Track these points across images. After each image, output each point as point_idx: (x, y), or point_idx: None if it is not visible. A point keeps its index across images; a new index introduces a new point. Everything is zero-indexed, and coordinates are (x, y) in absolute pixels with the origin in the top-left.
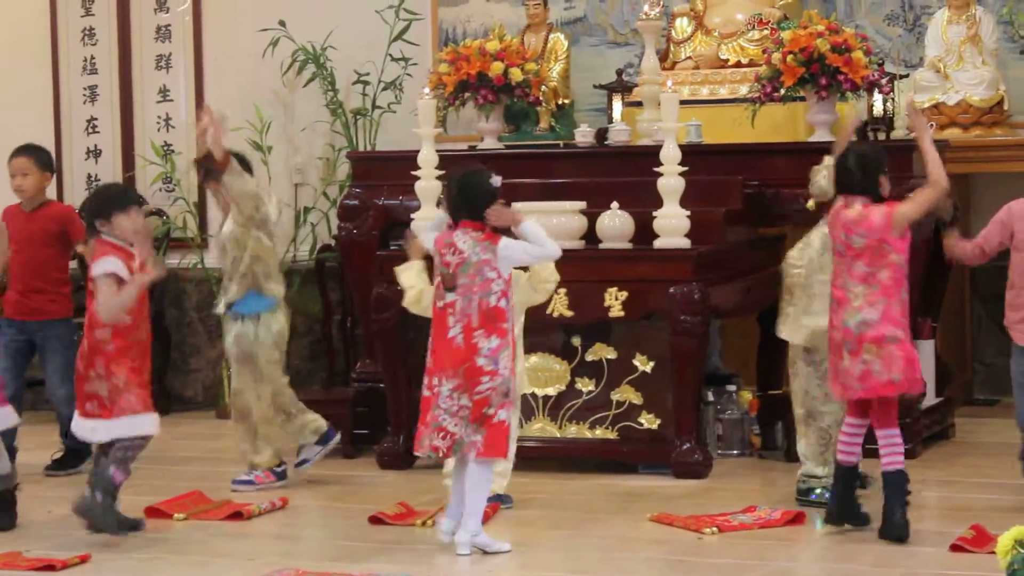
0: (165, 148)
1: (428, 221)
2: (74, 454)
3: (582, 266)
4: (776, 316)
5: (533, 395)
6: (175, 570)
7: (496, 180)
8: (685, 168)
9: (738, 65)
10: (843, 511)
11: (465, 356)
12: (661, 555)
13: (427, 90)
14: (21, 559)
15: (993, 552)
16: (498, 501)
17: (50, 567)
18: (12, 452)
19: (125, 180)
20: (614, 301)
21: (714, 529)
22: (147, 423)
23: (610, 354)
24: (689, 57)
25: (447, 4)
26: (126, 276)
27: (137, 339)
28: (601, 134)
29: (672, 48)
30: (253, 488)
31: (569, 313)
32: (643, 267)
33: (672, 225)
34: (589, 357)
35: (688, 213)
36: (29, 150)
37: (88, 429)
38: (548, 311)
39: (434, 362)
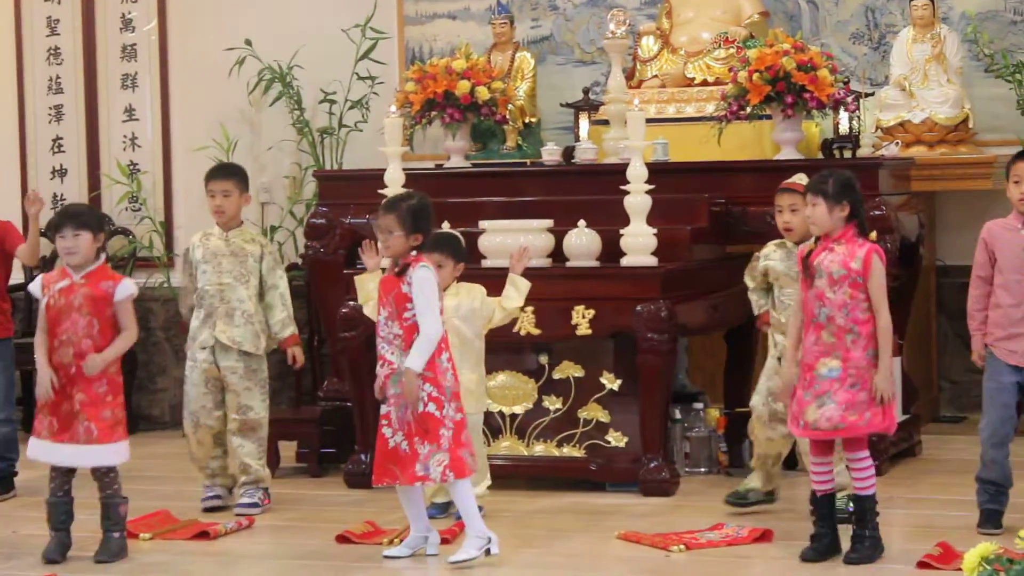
0: (131, 167)
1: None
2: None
3: (549, 284)
4: (743, 333)
5: (500, 413)
6: None
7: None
8: (652, 186)
9: (704, 83)
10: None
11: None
12: (629, 573)
13: (394, 108)
14: None
15: (960, 569)
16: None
17: None
18: None
19: (91, 200)
20: (581, 319)
21: (682, 547)
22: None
23: (577, 372)
24: (655, 76)
25: (413, 23)
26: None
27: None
28: (568, 152)
29: (638, 67)
30: (259, 511)
31: (536, 331)
32: (610, 285)
33: (639, 243)
34: (556, 375)
35: (655, 231)
36: None
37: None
38: (515, 329)
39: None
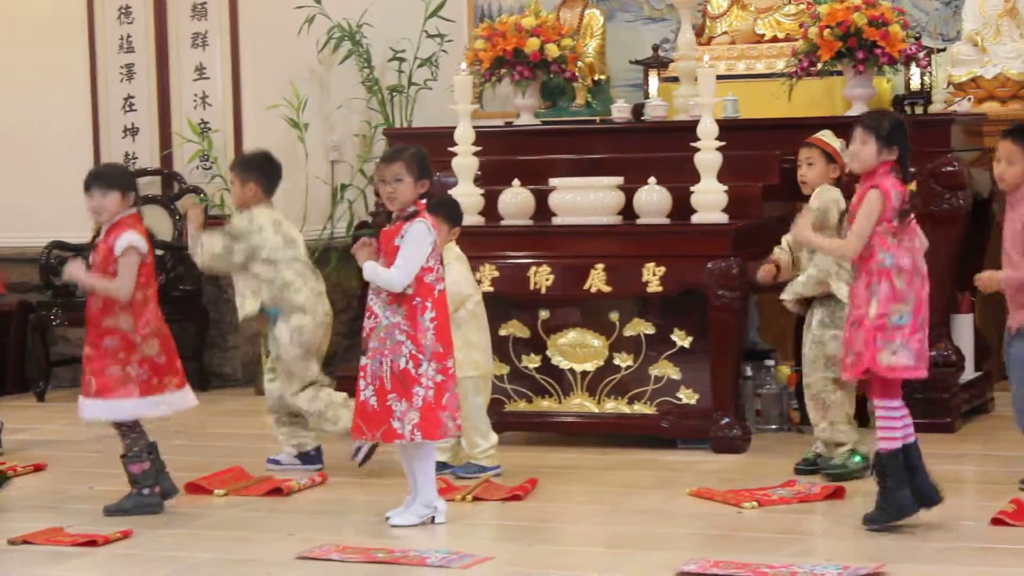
0: (202, 126)
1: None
2: None
3: (620, 242)
4: None
5: (571, 371)
6: (215, 545)
7: None
8: (722, 143)
9: (774, 40)
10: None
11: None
12: (701, 529)
13: (463, 66)
14: (63, 535)
15: None
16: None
17: (92, 542)
18: None
19: (162, 158)
20: (652, 276)
21: (754, 503)
22: None
23: (648, 329)
24: (725, 32)
25: None
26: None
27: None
28: (637, 110)
29: (708, 23)
30: (279, 468)
31: (607, 288)
32: (681, 242)
33: (709, 200)
34: (627, 332)
35: (725, 188)
36: None
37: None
38: (586, 287)
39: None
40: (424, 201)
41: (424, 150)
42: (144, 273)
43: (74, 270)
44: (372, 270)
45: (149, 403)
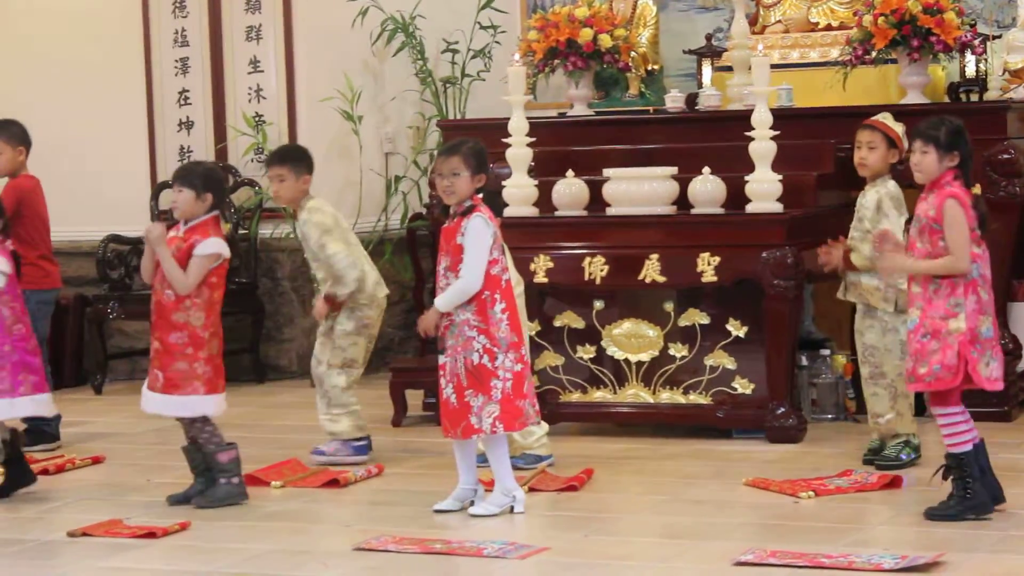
0: (256, 119)
1: None
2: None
3: (674, 232)
4: None
5: (627, 361)
6: (273, 537)
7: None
8: (776, 132)
9: (828, 28)
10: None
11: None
12: (758, 519)
13: (517, 57)
14: (122, 526)
15: None
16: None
17: (151, 534)
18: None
19: (217, 152)
20: (707, 266)
21: (811, 493)
22: None
23: (703, 319)
24: (779, 21)
25: None
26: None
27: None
28: (691, 99)
29: (762, 12)
30: (324, 458)
31: (662, 279)
32: (735, 232)
33: (764, 189)
34: (682, 322)
35: (780, 177)
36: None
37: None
38: (641, 277)
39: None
40: (480, 195)
41: (482, 144)
42: (219, 275)
43: (157, 233)
44: (447, 301)
45: (213, 401)
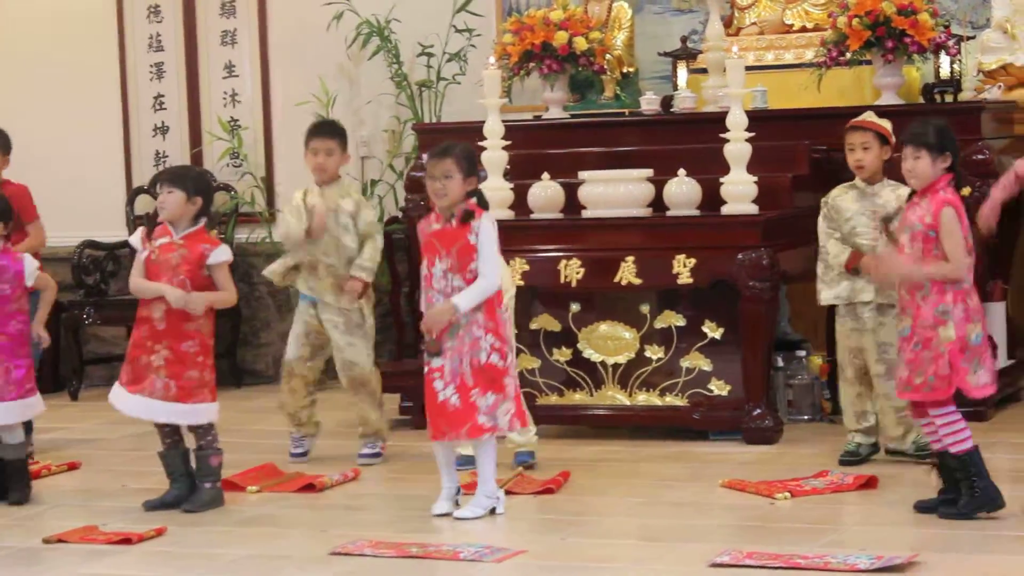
0: (232, 123)
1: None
2: None
3: (650, 234)
4: None
5: (603, 363)
6: (249, 542)
7: None
8: (751, 134)
9: (803, 30)
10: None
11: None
12: (734, 520)
13: (492, 60)
14: (98, 533)
15: None
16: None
17: (126, 540)
18: (28, 425)
19: (192, 156)
20: (682, 268)
21: (787, 494)
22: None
23: (679, 321)
24: (754, 23)
25: None
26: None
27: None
28: (667, 101)
29: (736, 14)
30: (380, 460)
31: (637, 281)
32: (711, 234)
33: (739, 191)
34: (658, 324)
35: (755, 179)
36: None
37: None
38: (616, 279)
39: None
40: (473, 200)
41: (471, 147)
42: None
43: (198, 301)
44: (468, 300)
45: (217, 407)
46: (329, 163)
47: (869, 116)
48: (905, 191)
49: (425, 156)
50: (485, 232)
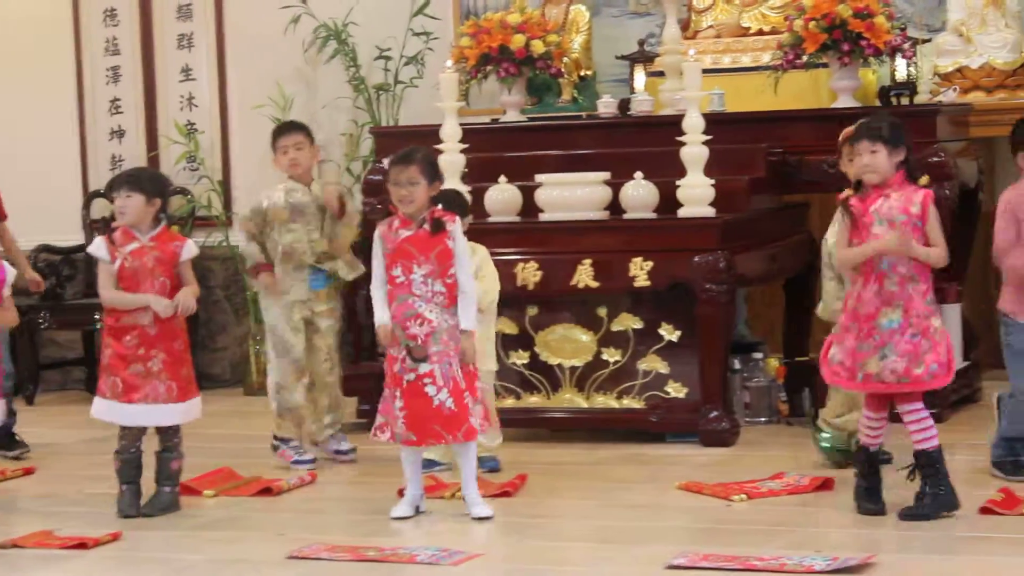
0: (189, 127)
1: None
2: None
3: (607, 236)
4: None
5: (560, 366)
6: (206, 546)
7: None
8: (708, 137)
9: (760, 33)
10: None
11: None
12: (690, 523)
13: (449, 64)
14: (53, 537)
15: (1022, 514)
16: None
17: (82, 545)
18: None
19: (149, 160)
20: (639, 271)
21: (743, 496)
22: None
23: (636, 324)
24: (711, 26)
25: None
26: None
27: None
28: (624, 104)
29: (693, 17)
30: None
31: (594, 284)
32: (668, 237)
33: (696, 194)
34: (615, 327)
35: (712, 182)
36: None
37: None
38: (573, 282)
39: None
40: (439, 207)
41: (432, 153)
42: None
43: (182, 301)
44: (472, 319)
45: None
46: (301, 156)
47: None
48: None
49: (384, 161)
50: (461, 241)
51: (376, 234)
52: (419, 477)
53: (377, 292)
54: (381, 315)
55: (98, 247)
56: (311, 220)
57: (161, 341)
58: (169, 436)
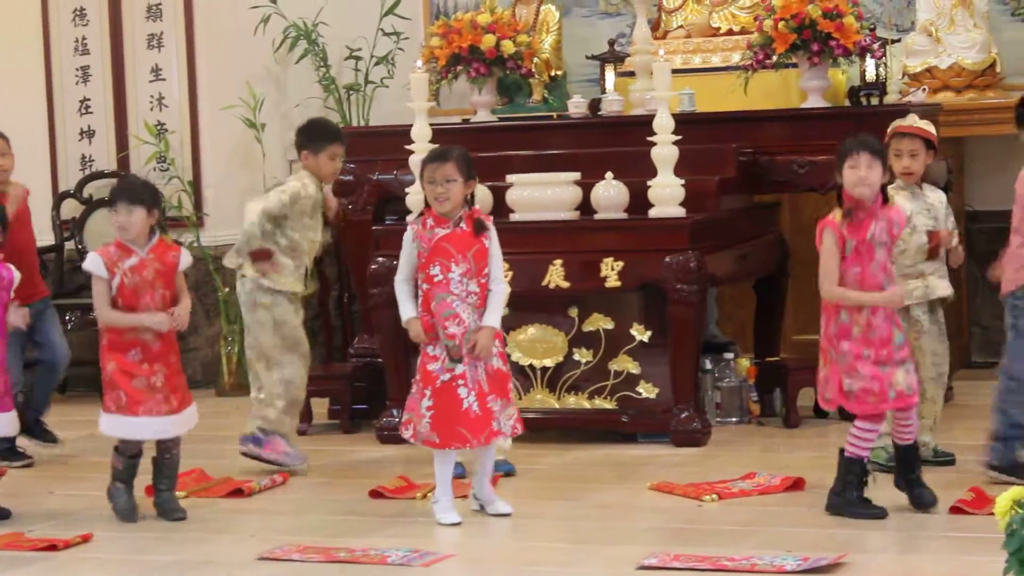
0: (158, 127)
1: None
2: None
3: (577, 237)
4: (772, 283)
5: (531, 366)
6: (177, 547)
7: None
8: (679, 137)
9: (730, 33)
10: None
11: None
12: (661, 523)
13: (419, 64)
14: (24, 539)
15: (992, 513)
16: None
17: (52, 547)
18: None
19: (119, 160)
20: (610, 271)
21: (714, 496)
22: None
23: (607, 324)
24: (681, 26)
25: None
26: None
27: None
28: (594, 105)
29: (664, 17)
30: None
31: (565, 284)
32: (639, 237)
33: (667, 194)
34: (586, 328)
35: (683, 182)
36: None
37: None
38: (544, 283)
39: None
40: (476, 207)
41: (467, 151)
42: None
43: (178, 317)
44: (497, 316)
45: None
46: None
47: (914, 121)
48: (942, 195)
49: (351, 161)
50: (496, 239)
51: (408, 233)
52: (449, 481)
53: (402, 287)
54: (408, 309)
55: (95, 263)
56: (319, 220)
57: (163, 356)
58: (170, 447)
